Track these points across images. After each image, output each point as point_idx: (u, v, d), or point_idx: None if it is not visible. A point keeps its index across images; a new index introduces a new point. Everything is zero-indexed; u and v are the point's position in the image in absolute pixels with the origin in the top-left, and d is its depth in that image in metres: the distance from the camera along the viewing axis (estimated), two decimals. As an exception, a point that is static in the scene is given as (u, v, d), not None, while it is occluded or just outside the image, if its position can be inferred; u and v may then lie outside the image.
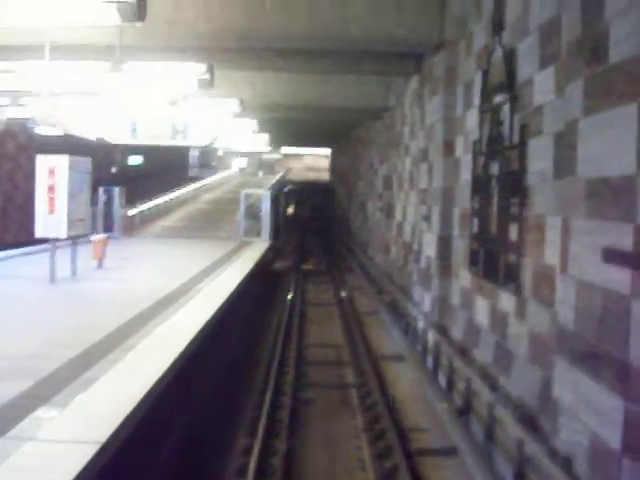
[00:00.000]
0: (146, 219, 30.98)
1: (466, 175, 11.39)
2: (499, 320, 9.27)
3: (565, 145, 6.47)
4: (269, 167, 70.79)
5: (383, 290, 20.15)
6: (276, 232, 37.70)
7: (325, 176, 61.58)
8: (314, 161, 69.89)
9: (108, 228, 27.06)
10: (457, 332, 11.63)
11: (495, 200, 9.44)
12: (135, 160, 35.31)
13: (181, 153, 52.53)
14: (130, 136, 18.62)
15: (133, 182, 36.35)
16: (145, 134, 18.76)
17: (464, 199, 11.53)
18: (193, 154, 60.58)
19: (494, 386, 8.85)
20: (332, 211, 50.52)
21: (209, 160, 65.70)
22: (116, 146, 30.36)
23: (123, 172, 35.86)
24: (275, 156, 69.99)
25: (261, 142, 37.09)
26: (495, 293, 9.44)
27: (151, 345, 8.83)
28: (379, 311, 18.83)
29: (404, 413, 10.72)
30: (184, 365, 8.57)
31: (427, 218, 13.88)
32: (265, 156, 70.48)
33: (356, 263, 29.47)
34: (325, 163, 64.21)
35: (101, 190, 27.21)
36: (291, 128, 34.88)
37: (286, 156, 69.64)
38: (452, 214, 12.49)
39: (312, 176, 64.23)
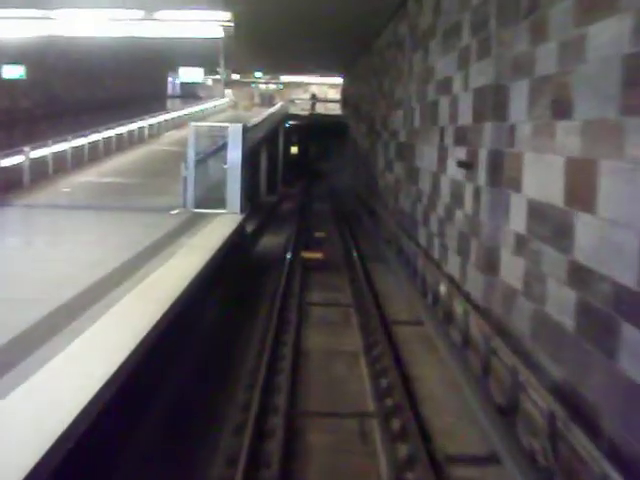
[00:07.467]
0: (46, 173, 19.16)
1: None
2: None
3: None
4: (267, 99, 59.12)
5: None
6: (271, 185, 30.33)
7: (335, 109, 50.59)
8: (322, 91, 59.07)
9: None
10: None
11: None
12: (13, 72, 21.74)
13: (150, 77, 40.84)
14: None
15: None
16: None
17: None
18: (172, 81, 49.10)
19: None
20: (345, 155, 38.54)
21: (193, 90, 53.61)
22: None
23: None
24: (273, 86, 59.04)
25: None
26: None
27: None
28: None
29: None
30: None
31: None
32: (261, 86, 59.08)
33: (394, 252, 17.16)
34: (335, 94, 54.38)
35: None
36: (289, 42, 23.49)
37: (287, 85, 58.48)
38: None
39: (320, 109, 53.24)
